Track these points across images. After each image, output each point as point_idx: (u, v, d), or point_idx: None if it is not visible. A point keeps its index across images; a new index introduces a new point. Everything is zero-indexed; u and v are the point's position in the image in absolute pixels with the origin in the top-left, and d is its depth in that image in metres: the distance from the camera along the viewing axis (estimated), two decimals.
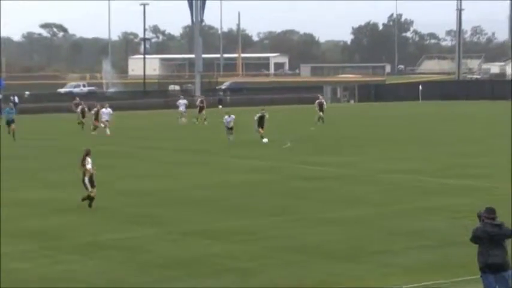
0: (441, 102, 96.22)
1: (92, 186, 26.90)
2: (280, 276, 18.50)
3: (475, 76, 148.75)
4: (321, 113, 64.14)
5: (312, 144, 48.91)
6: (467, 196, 28.80)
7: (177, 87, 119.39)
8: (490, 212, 15.18)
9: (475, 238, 15.15)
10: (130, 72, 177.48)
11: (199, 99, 70.57)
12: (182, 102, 69.88)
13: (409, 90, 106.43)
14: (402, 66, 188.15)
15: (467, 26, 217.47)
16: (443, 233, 22.77)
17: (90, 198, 26.90)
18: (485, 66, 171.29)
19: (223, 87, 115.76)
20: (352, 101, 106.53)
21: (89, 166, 26.86)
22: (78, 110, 62.50)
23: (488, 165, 37.09)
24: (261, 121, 49.26)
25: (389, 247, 21.22)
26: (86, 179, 26.81)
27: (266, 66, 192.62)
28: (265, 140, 48.01)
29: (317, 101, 65.97)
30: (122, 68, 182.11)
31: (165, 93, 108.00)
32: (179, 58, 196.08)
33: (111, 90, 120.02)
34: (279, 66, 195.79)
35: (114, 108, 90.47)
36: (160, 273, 18.87)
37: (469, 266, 17.48)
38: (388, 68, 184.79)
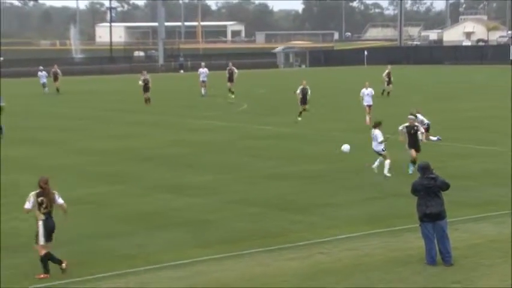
0: (385, 67, 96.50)
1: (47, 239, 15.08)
2: (237, 226, 18.51)
3: (415, 42, 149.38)
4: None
5: (264, 105, 48.88)
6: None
7: (142, 54, 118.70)
8: (425, 168, 15.42)
9: (414, 191, 15.41)
10: (97, 39, 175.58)
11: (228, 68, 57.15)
12: (203, 70, 56.97)
13: (356, 55, 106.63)
14: (349, 34, 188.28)
15: None
16: (385, 187, 22.90)
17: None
18: (424, 33, 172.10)
19: None
20: (303, 66, 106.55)
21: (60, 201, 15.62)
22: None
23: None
24: (304, 98, 40.22)
25: (335, 200, 21.30)
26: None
27: (224, 33, 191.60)
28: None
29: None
30: (89, 35, 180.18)
31: (130, 59, 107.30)
32: (143, 26, 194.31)
33: (80, 56, 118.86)
34: (235, 33, 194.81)
35: (82, 73, 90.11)
36: (123, 227, 18.74)
37: (410, 216, 17.62)
38: (336, 35, 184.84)
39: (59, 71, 62.26)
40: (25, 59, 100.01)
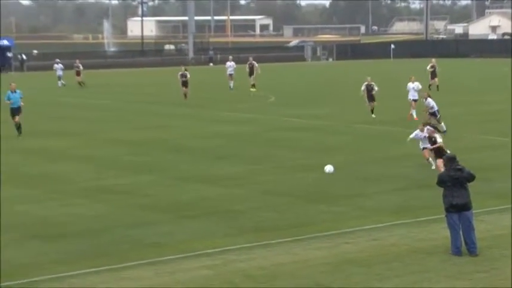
0: (410, 60, 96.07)
1: None
2: (266, 216, 18.50)
3: (441, 36, 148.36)
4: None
5: (291, 98, 48.81)
6: None
7: (172, 47, 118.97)
8: (451, 159, 15.35)
9: (441, 182, 15.29)
10: (129, 33, 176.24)
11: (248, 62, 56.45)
12: (230, 64, 56.89)
13: (382, 49, 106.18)
14: (375, 28, 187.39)
15: None
16: (411, 178, 22.77)
17: None
18: (450, 27, 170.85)
19: None
20: (330, 59, 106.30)
21: None
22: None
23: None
24: (369, 94, 36.82)
25: (361, 191, 21.21)
26: None
27: (252, 27, 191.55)
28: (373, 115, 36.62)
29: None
30: (121, 29, 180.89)
31: (161, 53, 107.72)
32: (174, 20, 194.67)
33: (112, 49, 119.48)
34: (264, 27, 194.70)
35: (114, 66, 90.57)
36: (153, 216, 18.79)
37: (435, 207, 17.53)
38: (362, 29, 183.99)
39: (80, 65, 61.51)
40: (58, 52, 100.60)
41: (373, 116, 36.32)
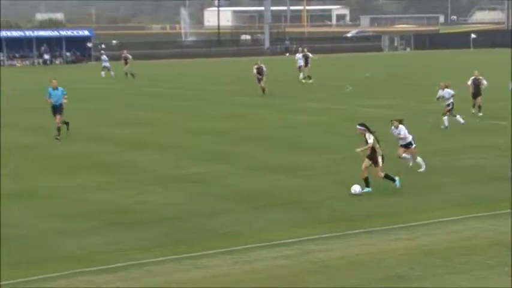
0: (491, 50, 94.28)
1: None
2: (340, 206, 18.38)
3: None
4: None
5: (368, 88, 48.40)
6: None
7: (248, 37, 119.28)
8: None
9: None
10: (206, 23, 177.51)
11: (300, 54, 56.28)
12: (300, 56, 56.21)
13: (461, 39, 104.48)
14: (455, 17, 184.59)
15: None
16: (489, 169, 22.31)
17: None
18: None
19: None
20: (408, 49, 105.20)
21: None
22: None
23: None
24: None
25: (438, 182, 20.87)
26: None
27: (329, 17, 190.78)
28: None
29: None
30: (198, 19, 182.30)
31: (237, 43, 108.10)
32: (250, 10, 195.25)
33: (190, 39, 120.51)
34: (340, 17, 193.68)
35: (191, 56, 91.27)
36: (228, 205, 18.85)
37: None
38: (441, 19, 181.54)
39: (129, 55, 61.44)
40: (137, 42, 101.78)
41: (479, 114, 33.88)
